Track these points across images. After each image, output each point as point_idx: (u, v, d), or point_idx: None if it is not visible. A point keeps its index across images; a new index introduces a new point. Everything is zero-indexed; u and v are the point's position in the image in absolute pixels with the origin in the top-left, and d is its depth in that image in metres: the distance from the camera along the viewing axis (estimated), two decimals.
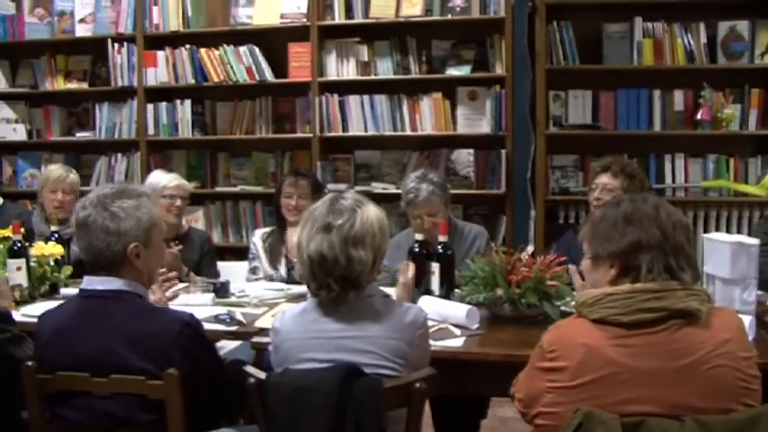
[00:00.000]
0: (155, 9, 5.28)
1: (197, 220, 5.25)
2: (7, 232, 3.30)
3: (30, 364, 2.22)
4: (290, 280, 3.83)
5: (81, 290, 2.27)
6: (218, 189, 5.35)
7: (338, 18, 5.02)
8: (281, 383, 2.03)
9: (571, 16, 4.76)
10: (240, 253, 4.84)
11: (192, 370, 2.14)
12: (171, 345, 2.13)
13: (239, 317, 2.95)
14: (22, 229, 3.38)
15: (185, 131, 5.29)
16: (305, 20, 5.04)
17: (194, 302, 3.12)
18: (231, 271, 4.12)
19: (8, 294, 2.81)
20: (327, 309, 2.18)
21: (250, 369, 2.09)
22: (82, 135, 5.58)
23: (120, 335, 2.14)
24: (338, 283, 2.14)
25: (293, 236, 3.96)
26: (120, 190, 2.26)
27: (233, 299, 3.27)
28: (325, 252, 2.13)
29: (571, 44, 4.74)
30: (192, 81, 5.23)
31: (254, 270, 4.05)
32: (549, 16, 4.69)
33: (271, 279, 3.93)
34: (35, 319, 2.45)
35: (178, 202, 3.98)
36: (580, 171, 4.85)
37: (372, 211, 2.23)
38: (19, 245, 3.31)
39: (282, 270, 3.96)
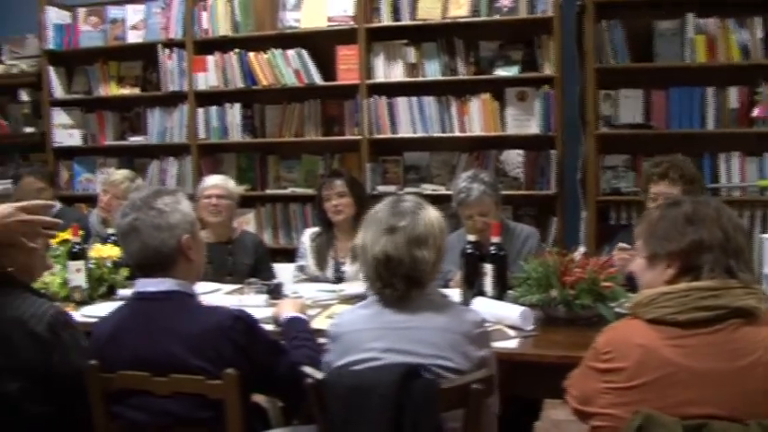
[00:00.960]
0: (204, 15, 5.35)
1: (248, 222, 5.30)
2: (67, 235, 3.37)
3: (93, 363, 2.27)
4: (337, 281, 3.84)
5: (135, 293, 2.31)
6: (269, 191, 5.40)
7: (385, 20, 5.04)
8: (339, 383, 2.05)
9: (621, 14, 4.70)
10: (290, 255, 4.86)
11: (246, 365, 2.16)
12: (223, 341, 2.16)
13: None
14: (81, 232, 3.45)
15: (235, 135, 5.35)
16: (352, 22, 5.06)
17: (248, 303, 3.15)
18: (282, 273, 4.16)
19: (44, 265, 2.83)
20: (390, 304, 2.23)
21: (307, 369, 2.11)
22: (134, 139, 5.67)
23: (174, 335, 2.18)
24: (402, 281, 2.20)
25: (342, 238, 3.99)
26: (155, 191, 2.34)
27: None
28: (390, 252, 2.19)
29: (621, 42, 4.68)
30: (242, 85, 5.28)
31: (301, 268, 4.07)
32: (599, 14, 4.64)
33: (316, 280, 3.94)
34: (95, 320, 2.50)
35: (214, 201, 4.00)
36: (632, 171, 4.79)
37: (433, 213, 2.30)
38: (78, 247, 3.38)
39: (330, 272, 3.97)
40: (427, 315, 2.20)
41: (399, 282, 2.19)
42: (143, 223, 2.23)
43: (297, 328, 2.62)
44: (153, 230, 2.23)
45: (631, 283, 2.91)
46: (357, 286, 3.37)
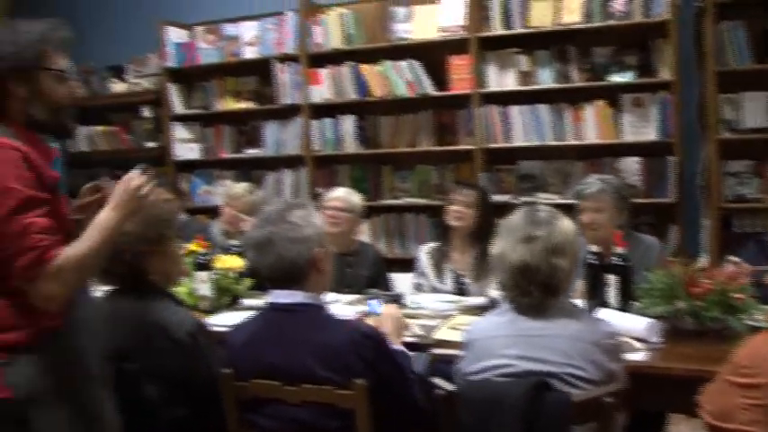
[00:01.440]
0: (317, 29, 5.45)
1: (362, 233, 5.36)
2: (193, 246, 3.49)
3: (227, 371, 2.35)
4: (457, 292, 3.85)
5: (268, 304, 2.38)
6: (383, 202, 5.45)
7: (497, 29, 5.02)
8: (469, 394, 2.07)
9: (742, 14, 4.54)
10: (405, 265, 4.89)
11: (374, 381, 2.20)
12: (353, 355, 2.20)
13: (416, 329, 3.00)
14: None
15: (349, 146, 5.43)
16: (464, 32, 5.07)
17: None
18: (397, 283, 4.21)
19: (181, 270, 2.95)
20: (525, 312, 2.26)
21: (438, 381, 2.13)
22: (251, 152, 5.83)
23: (306, 346, 2.24)
24: (538, 289, 2.23)
25: (459, 249, 4.00)
26: (287, 204, 2.40)
27: (407, 310, 3.32)
28: (528, 261, 2.23)
29: (742, 43, 4.53)
30: (355, 96, 5.36)
31: (418, 286, 4.08)
32: (719, 15, 4.50)
33: (436, 292, 3.95)
34: (220, 329, 2.58)
35: (330, 212, 4.05)
36: (757, 177, 4.61)
37: (567, 223, 2.34)
38: (204, 258, 3.50)
39: (449, 283, 3.98)
40: (561, 323, 2.22)
41: (535, 290, 2.22)
42: (278, 236, 2.29)
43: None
44: (287, 243, 2.29)
45: (764, 295, 2.83)
46: (478, 297, 3.38)
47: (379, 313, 2.95)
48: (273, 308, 2.34)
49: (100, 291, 2.59)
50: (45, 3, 6.36)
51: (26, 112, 2.12)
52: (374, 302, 3.19)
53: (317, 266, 2.33)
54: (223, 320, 3.22)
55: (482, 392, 2.07)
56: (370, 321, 2.75)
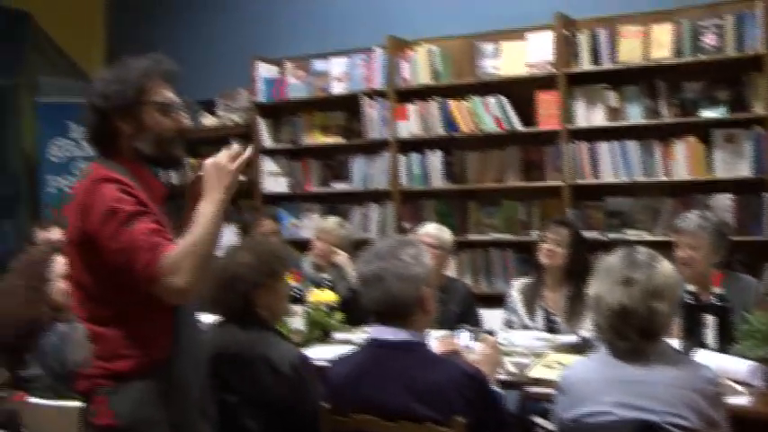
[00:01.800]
0: (405, 65, 5.53)
1: (449, 268, 5.37)
2: (288, 279, 3.56)
3: (326, 405, 2.40)
4: (548, 330, 3.83)
5: (371, 339, 2.42)
6: (469, 237, 5.45)
7: (585, 65, 5.01)
8: None
9: None
10: (491, 300, 4.89)
11: (474, 421, 2.21)
12: (455, 395, 2.22)
13: (509, 366, 3.00)
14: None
15: (436, 181, 5.47)
16: (551, 68, 5.07)
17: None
18: (485, 319, 4.21)
19: (286, 308, 3.01)
20: (622, 356, 2.23)
21: (539, 420, 2.13)
22: (338, 186, 5.91)
23: (407, 383, 2.27)
24: (637, 333, 2.19)
25: (551, 287, 3.99)
26: (399, 242, 2.44)
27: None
28: (626, 304, 2.19)
29: None
30: (442, 132, 5.40)
31: (508, 323, 4.08)
32: None
33: (527, 329, 3.94)
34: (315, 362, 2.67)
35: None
36: None
37: (668, 265, 2.29)
38: (299, 292, 3.57)
39: (540, 321, 3.97)
40: (661, 369, 2.17)
41: (633, 333, 2.19)
42: (388, 273, 2.33)
43: None
44: (397, 281, 2.32)
45: None
46: (571, 336, 3.36)
47: (471, 348, 2.96)
48: (377, 344, 2.38)
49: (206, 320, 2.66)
50: (141, 39, 6.67)
51: (134, 147, 2.21)
52: (465, 335, 3.17)
53: (423, 306, 2.35)
54: (315, 354, 3.27)
55: None
56: (467, 358, 2.77)
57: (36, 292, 3.06)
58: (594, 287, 2.29)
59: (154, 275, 1.99)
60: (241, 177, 2.19)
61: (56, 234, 4.76)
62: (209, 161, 2.17)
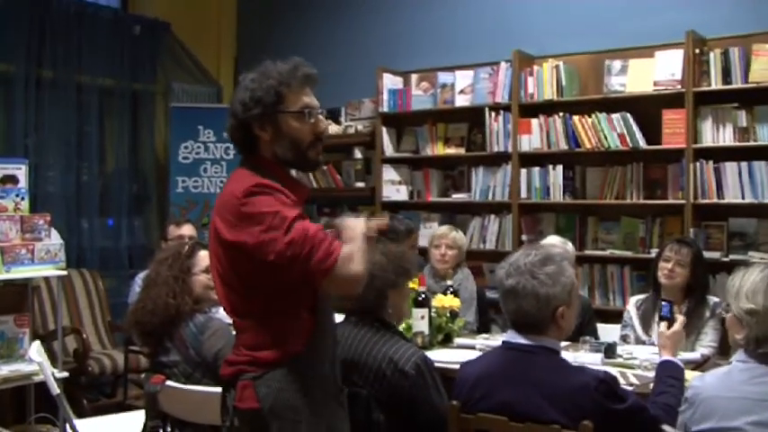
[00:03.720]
0: (530, 80, 5.58)
1: None
2: (414, 285, 3.67)
3: (454, 403, 2.49)
4: None
5: (504, 342, 2.50)
6: (587, 252, 5.45)
7: (715, 84, 4.95)
8: None
9: None
10: (607, 316, 4.91)
11: (602, 423, 2.25)
12: (586, 400, 2.28)
13: (632, 378, 3.03)
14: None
15: (556, 195, 5.49)
16: (679, 86, 5.03)
17: (583, 360, 3.25)
18: (601, 333, 4.24)
19: (407, 311, 3.12)
20: (760, 371, 2.20)
21: (667, 428, 2.17)
22: (457, 196, 6.00)
23: (538, 386, 2.34)
24: None
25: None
26: (543, 257, 2.45)
27: (620, 360, 3.36)
28: None
29: None
30: (565, 147, 5.42)
31: (624, 338, 4.09)
32: None
33: (643, 345, 3.94)
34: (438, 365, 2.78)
35: None
36: None
37: None
38: (423, 296, 3.67)
39: (656, 337, 3.95)
40: None
41: None
42: (524, 289, 2.39)
43: (667, 373, 2.68)
44: (531, 299, 2.39)
45: None
46: (691, 353, 3.36)
47: (669, 317, 3.00)
48: (510, 347, 2.46)
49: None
50: (270, 48, 6.92)
51: (274, 152, 2.31)
52: (666, 305, 3.14)
53: (557, 323, 2.41)
54: (438, 357, 3.36)
55: None
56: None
57: (182, 283, 3.25)
58: (757, 301, 2.24)
59: (329, 267, 2.09)
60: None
61: (187, 231, 5.02)
62: (352, 222, 2.26)
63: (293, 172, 2.43)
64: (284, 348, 2.23)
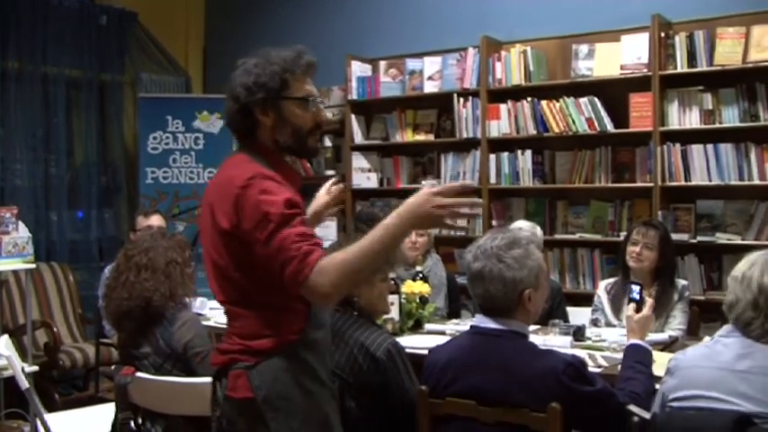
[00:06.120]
0: (498, 65, 5.59)
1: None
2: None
3: (423, 388, 2.51)
4: None
5: (472, 326, 2.51)
6: (557, 236, 5.50)
7: (681, 67, 4.99)
8: (668, 424, 2.11)
9: None
10: (577, 299, 4.94)
11: (570, 406, 2.28)
12: (553, 383, 2.30)
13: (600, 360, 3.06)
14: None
15: (525, 180, 5.52)
16: (646, 70, 5.07)
17: (552, 344, 3.27)
18: (571, 316, 4.27)
19: (385, 308, 3.14)
20: (746, 345, 2.19)
21: (634, 408, 2.19)
22: (427, 183, 6.01)
23: (506, 370, 2.36)
24: None
25: None
26: (509, 241, 2.46)
27: (589, 342, 3.39)
28: None
29: None
30: (534, 132, 5.45)
31: (594, 322, 4.13)
32: None
33: (613, 328, 3.97)
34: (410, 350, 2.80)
35: None
36: None
37: None
38: (393, 282, 3.68)
39: (625, 320, 3.99)
40: None
41: None
42: (490, 273, 2.41)
43: (636, 358, 2.71)
44: (497, 282, 2.40)
45: None
46: (659, 334, 3.40)
47: (638, 300, 3.04)
48: (478, 331, 2.47)
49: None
50: (237, 38, 6.91)
51: (273, 138, 2.28)
52: (636, 288, 3.16)
53: (525, 306, 2.43)
54: (408, 343, 3.37)
55: (681, 423, 2.10)
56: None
57: (180, 273, 3.23)
58: (743, 269, 2.24)
59: (300, 282, 2.04)
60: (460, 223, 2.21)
61: (155, 221, 4.99)
62: (426, 192, 2.11)
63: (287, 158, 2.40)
64: (279, 337, 2.20)
